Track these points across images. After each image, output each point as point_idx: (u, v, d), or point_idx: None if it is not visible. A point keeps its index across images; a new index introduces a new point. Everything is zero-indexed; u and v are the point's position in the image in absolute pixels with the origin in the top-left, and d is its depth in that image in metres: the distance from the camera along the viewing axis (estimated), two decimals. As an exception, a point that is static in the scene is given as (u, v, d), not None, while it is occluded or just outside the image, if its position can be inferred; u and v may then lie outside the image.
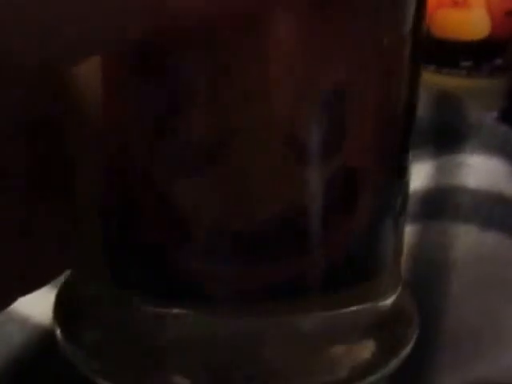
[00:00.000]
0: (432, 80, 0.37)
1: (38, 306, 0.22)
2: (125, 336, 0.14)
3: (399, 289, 0.16)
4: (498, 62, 0.36)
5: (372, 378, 0.14)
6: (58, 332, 0.15)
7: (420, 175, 0.27)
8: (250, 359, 0.13)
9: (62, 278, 0.17)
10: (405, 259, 0.23)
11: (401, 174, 0.15)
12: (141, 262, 0.14)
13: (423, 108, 0.30)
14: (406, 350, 0.15)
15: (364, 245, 0.14)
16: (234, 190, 0.13)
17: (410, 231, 0.25)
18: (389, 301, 0.15)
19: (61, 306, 0.16)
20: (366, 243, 0.14)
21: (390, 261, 0.15)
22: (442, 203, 0.26)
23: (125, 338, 0.14)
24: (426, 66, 0.37)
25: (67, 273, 0.17)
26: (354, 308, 0.14)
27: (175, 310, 0.14)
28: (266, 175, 0.13)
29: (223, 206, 0.13)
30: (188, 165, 0.13)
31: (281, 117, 0.12)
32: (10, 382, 0.21)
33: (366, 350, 0.14)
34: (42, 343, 0.22)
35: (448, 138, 0.29)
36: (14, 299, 0.18)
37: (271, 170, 0.13)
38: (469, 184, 0.26)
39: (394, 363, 0.15)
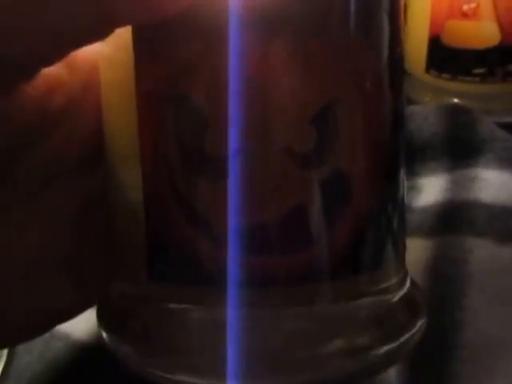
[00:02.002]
0: (447, 87, 0.38)
1: (79, 323, 0.24)
2: (161, 331, 0.16)
3: (407, 284, 0.17)
4: (511, 67, 0.36)
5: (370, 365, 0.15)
6: (103, 332, 0.17)
7: (434, 190, 0.28)
8: (265, 344, 0.15)
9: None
10: (421, 273, 0.24)
11: (391, 174, 0.16)
12: (171, 258, 0.15)
13: (436, 123, 0.30)
14: (408, 335, 0.16)
15: (364, 236, 0.16)
16: (246, 194, 0.15)
17: (425, 245, 0.25)
18: (396, 295, 0.17)
19: (103, 308, 0.18)
20: (366, 235, 0.16)
21: (391, 253, 0.17)
22: (456, 217, 0.26)
23: (161, 333, 0.16)
24: (440, 74, 0.38)
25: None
26: (358, 300, 0.16)
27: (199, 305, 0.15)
28: (271, 181, 0.15)
29: (239, 206, 0.15)
30: (208, 174, 0.15)
31: (279, 133, 0.15)
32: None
33: (368, 339, 0.16)
34: (83, 358, 0.23)
35: (462, 153, 0.29)
36: (58, 323, 0.19)
37: (275, 176, 0.15)
38: (483, 198, 0.26)
39: (392, 348, 0.16)
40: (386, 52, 0.16)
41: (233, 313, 0.15)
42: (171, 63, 0.15)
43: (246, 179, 0.14)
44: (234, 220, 0.15)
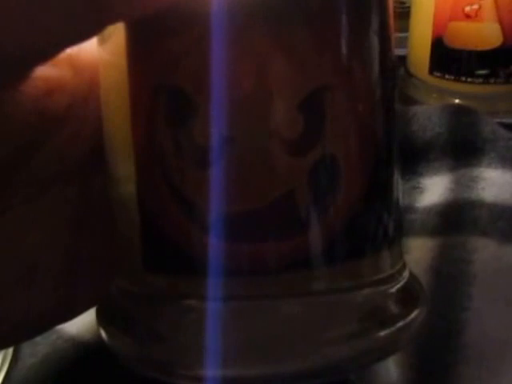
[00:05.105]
0: (450, 88, 0.38)
1: (85, 325, 0.24)
2: (156, 323, 0.16)
3: (405, 275, 0.17)
4: (514, 68, 0.37)
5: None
6: (102, 331, 0.17)
7: (438, 190, 0.28)
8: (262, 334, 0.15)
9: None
10: (424, 274, 0.24)
11: (383, 160, 0.16)
12: (165, 247, 0.15)
13: (439, 123, 0.30)
14: (404, 323, 0.16)
15: (357, 222, 0.16)
16: (237, 181, 0.15)
17: (428, 245, 0.25)
18: (393, 285, 0.16)
19: (102, 307, 0.18)
20: (359, 222, 0.16)
21: (386, 241, 0.16)
22: (460, 217, 0.26)
23: (159, 328, 0.16)
24: (443, 76, 0.38)
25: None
26: (352, 287, 0.16)
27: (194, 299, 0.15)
28: (260, 167, 0.15)
29: (229, 193, 0.15)
30: (198, 163, 0.15)
31: (267, 120, 0.15)
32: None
33: (363, 326, 0.15)
34: (89, 360, 0.23)
35: (465, 152, 0.29)
36: (56, 325, 0.19)
37: (264, 163, 0.15)
38: (486, 197, 0.26)
39: (387, 335, 0.15)
40: (375, 39, 0.16)
41: (225, 302, 0.15)
42: (160, 55, 0.15)
43: (235, 167, 0.15)
44: (225, 208, 0.15)
